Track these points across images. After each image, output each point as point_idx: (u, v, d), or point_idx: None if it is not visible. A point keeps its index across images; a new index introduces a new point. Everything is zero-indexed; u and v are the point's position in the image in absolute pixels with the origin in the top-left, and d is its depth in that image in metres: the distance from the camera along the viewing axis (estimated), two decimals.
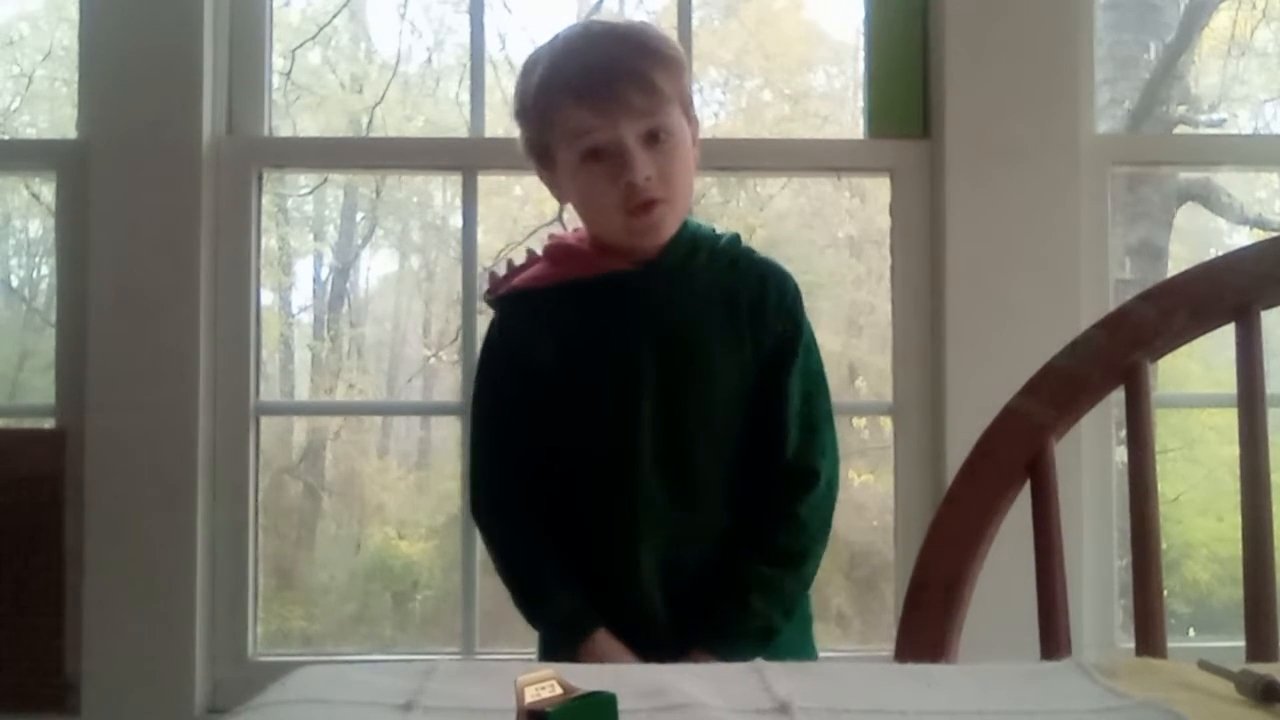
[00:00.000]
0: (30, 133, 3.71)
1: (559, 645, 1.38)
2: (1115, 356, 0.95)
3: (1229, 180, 3.54)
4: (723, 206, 3.34)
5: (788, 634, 1.38)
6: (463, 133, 2.43)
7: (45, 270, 3.50)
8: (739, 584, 1.35)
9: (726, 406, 1.38)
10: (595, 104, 1.34)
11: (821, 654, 1.55)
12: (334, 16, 3.58)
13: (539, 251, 1.48)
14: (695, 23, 2.24)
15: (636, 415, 1.36)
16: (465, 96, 2.41)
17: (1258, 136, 3.44)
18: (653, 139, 1.36)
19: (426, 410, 4.02)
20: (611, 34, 1.45)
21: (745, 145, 2.49)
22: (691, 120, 1.44)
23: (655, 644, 1.33)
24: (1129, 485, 0.93)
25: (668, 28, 2.25)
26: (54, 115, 3.45)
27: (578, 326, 1.39)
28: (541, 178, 1.47)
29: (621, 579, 1.37)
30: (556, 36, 1.42)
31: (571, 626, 1.37)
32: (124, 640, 1.98)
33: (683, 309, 1.39)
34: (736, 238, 1.47)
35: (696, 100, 1.51)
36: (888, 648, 0.96)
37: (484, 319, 1.58)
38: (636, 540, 1.36)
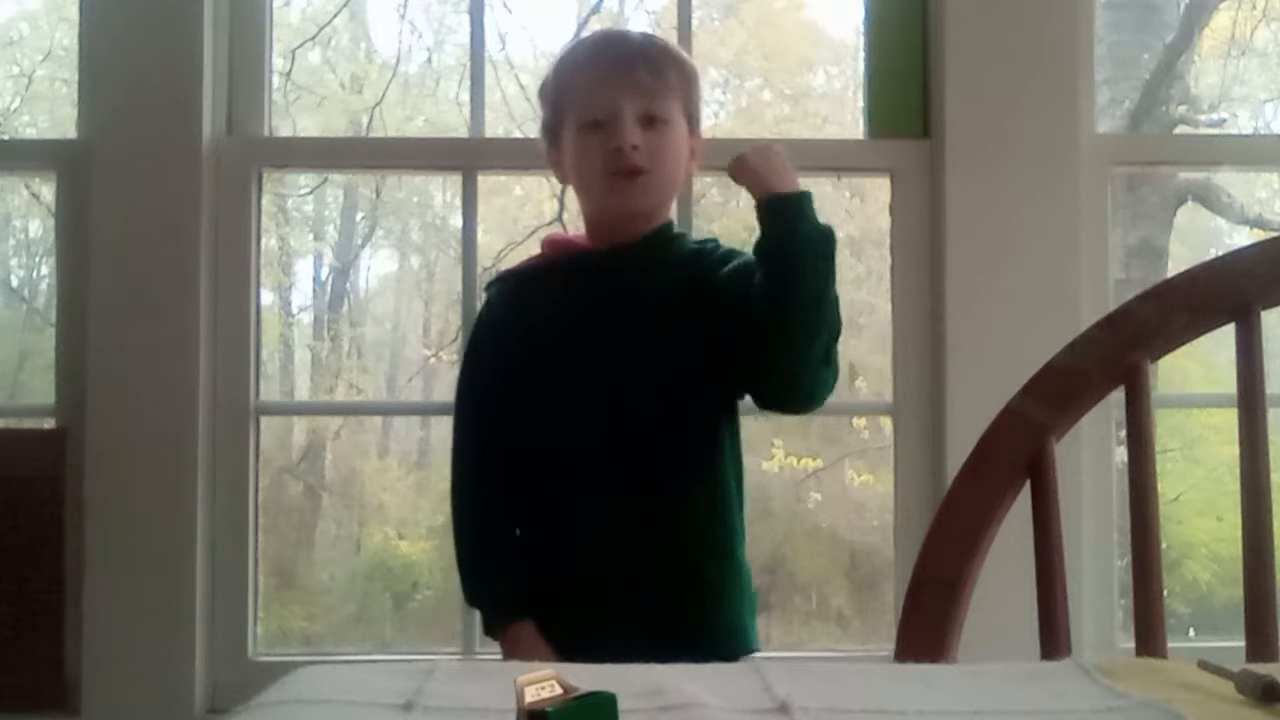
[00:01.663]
0: (30, 133, 3.71)
1: (487, 630, 1.48)
2: (1115, 356, 0.95)
3: (1229, 180, 3.54)
4: (723, 206, 3.35)
5: (735, 614, 1.45)
6: (463, 133, 2.44)
7: (45, 270, 3.50)
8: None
9: (683, 388, 1.44)
10: (604, 76, 1.45)
11: (821, 654, 1.58)
12: (334, 16, 3.58)
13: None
14: (695, 23, 2.24)
15: (590, 392, 1.43)
16: (465, 96, 2.41)
17: (1258, 136, 3.45)
18: (649, 121, 1.45)
19: (426, 410, 4.02)
20: (638, 33, 1.60)
21: (745, 145, 2.48)
22: (695, 134, 1.53)
23: (605, 617, 1.40)
24: (1129, 485, 0.93)
25: (668, 28, 2.25)
26: (54, 115, 3.45)
27: (548, 304, 1.48)
28: (549, 159, 1.55)
29: (573, 554, 1.43)
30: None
31: (498, 612, 1.46)
32: (124, 640, 1.98)
33: (646, 291, 1.46)
34: (713, 239, 1.57)
35: None
36: (888, 648, 0.96)
37: None
38: (589, 515, 1.42)
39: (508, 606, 1.45)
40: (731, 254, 1.50)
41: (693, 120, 1.52)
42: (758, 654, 1.44)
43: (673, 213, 1.60)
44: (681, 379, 1.44)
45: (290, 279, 3.97)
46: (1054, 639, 0.89)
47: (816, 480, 3.60)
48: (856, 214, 3.63)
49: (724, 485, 1.47)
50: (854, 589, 3.42)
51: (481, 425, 1.50)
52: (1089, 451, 2.02)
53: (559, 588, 1.45)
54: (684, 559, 1.42)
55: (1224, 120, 3.60)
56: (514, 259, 1.61)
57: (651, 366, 1.43)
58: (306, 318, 4.01)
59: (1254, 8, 3.56)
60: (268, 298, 3.83)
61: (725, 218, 3.41)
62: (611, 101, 1.43)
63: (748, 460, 1.56)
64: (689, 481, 1.44)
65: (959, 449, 1.00)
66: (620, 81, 1.44)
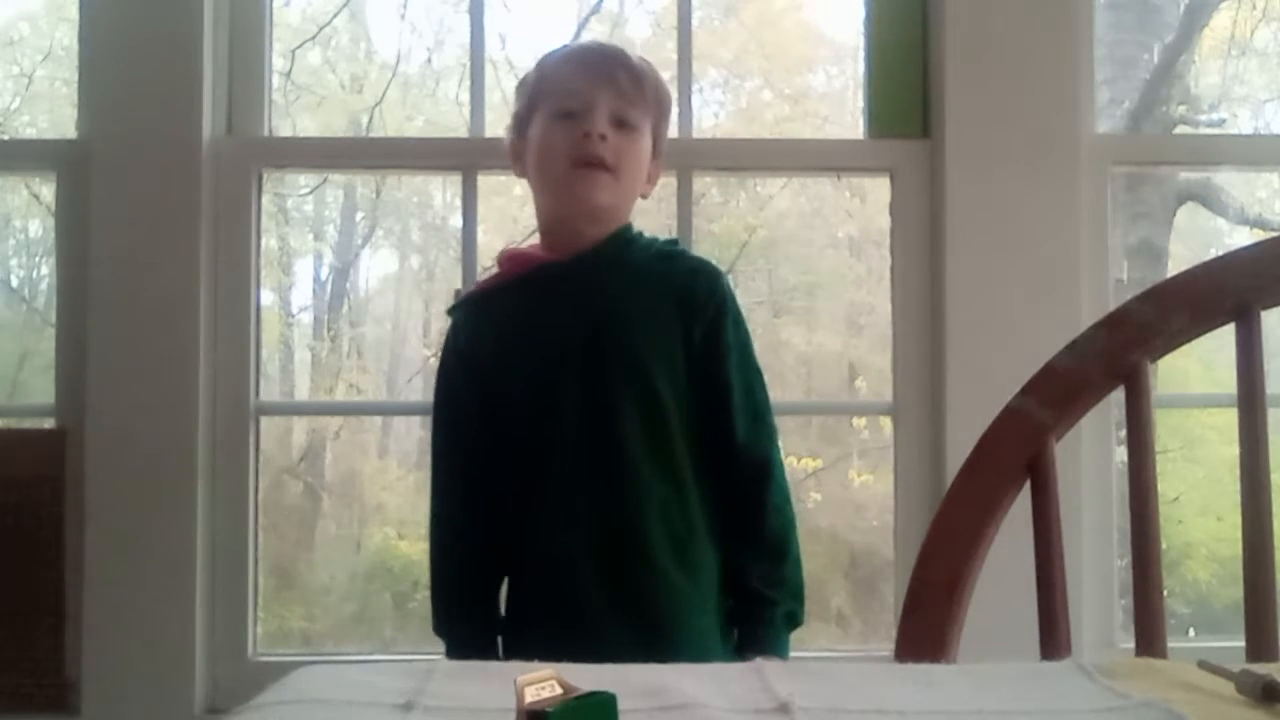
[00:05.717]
0: (30, 133, 3.71)
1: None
2: (1115, 356, 0.95)
3: (1229, 180, 3.54)
4: (723, 206, 3.35)
5: (708, 626, 1.47)
6: (463, 133, 2.43)
7: (45, 270, 3.50)
8: (751, 588, 1.47)
9: (654, 385, 1.46)
10: (585, 71, 1.51)
11: (821, 654, 1.60)
12: (334, 16, 3.58)
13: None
14: (695, 23, 2.24)
15: (561, 394, 1.45)
16: (465, 96, 2.41)
17: (1258, 136, 3.44)
18: (621, 124, 1.50)
19: (426, 410, 4.00)
20: (620, 47, 1.62)
21: (745, 145, 2.48)
22: (655, 159, 1.57)
23: (584, 612, 1.42)
24: (1129, 485, 0.93)
25: (668, 28, 2.25)
26: (54, 115, 3.45)
27: (515, 316, 1.50)
28: (511, 149, 1.59)
29: (552, 553, 1.45)
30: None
31: (457, 652, 1.49)
32: (124, 640, 1.98)
33: (612, 294, 1.49)
34: (673, 240, 1.63)
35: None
36: (888, 648, 0.96)
37: None
38: (564, 512, 1.44)
39: (465, 650, 1.49)
40: (698, 270, 1.53)
41: (658, 143, 1.56)
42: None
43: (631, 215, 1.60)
44: (657, 382, 1.46)
45: (290, 279, 3.97)
46: (1054, 639, 0.89)
47: (816, 480, 3.60)
48: (856, 214, 3.63)
49: (700, 488, 1.49)
50: (854, 589, 3.42)
51: (458, 452, 1.53)
52: (1089, 451, 2.02)
53: (535, 588, 1.49)
54: (658, 560, 1.44)
55: (1224, 120, 3.60)
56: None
57: (627, 371, 1.46)
58: (306, 318, 4.01)
59: (1254, 8, 3.57)
60: (268, 298, 3.83)
61: (725, 218, 3.41)
62: (588, 94, 1.49)
63: None
64: (665, 483, 1.46)
65: (959, 449, 1.00)
66: (599, 77, 1.50)
